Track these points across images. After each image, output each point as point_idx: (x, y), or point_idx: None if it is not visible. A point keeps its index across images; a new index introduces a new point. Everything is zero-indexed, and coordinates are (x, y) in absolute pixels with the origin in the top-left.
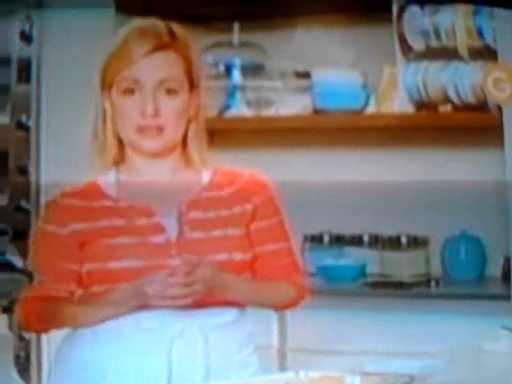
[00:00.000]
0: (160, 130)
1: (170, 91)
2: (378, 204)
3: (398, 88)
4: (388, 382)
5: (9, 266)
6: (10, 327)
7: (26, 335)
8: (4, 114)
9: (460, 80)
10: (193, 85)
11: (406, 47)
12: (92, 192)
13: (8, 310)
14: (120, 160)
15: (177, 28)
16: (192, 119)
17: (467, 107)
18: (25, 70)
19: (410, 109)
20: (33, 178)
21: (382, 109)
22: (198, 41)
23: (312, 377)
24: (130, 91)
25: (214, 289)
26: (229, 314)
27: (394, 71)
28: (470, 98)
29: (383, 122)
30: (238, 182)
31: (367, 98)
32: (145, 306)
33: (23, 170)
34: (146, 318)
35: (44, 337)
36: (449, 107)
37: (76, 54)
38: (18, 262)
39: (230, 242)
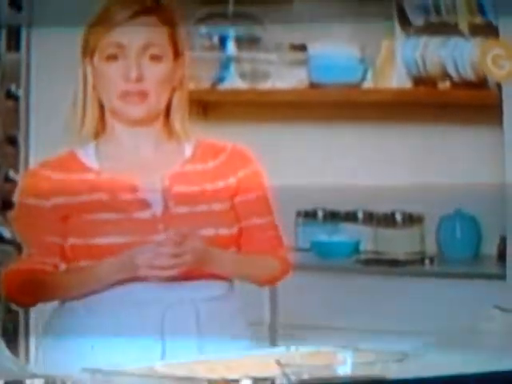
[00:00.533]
0: (143, 95)
1: (153, 57)
2: (373, 180)
3: (396, 63)
4: (380, 359)
5: None
6: None
7: (14, 307)
8: None
9: (459, 56)
10: (177, 53)
11: (405, 22)
12: (71, 164)
13: None
14: (100, 130)
15: None
16: (176, 88)
17: (466, 84)
18: (14, 39)
19: (407, 84)
20: (22, 148)
21: (380, 83)
22: (191, 11)
23: (303, 352)
24: (113, 57)
25: (202, 261)
26: (219, 288)
27: (393, 45)
28: (470, 75)
29: (380, 96)
30: (221, 155)
31: (364, 72)
32: (133, 278)
33: (12, 141)
34: (137, 292)
35: (32, 309)
36: (447, 84)
37: (66, 22)
38: (6, 232)
39: (215, 216)
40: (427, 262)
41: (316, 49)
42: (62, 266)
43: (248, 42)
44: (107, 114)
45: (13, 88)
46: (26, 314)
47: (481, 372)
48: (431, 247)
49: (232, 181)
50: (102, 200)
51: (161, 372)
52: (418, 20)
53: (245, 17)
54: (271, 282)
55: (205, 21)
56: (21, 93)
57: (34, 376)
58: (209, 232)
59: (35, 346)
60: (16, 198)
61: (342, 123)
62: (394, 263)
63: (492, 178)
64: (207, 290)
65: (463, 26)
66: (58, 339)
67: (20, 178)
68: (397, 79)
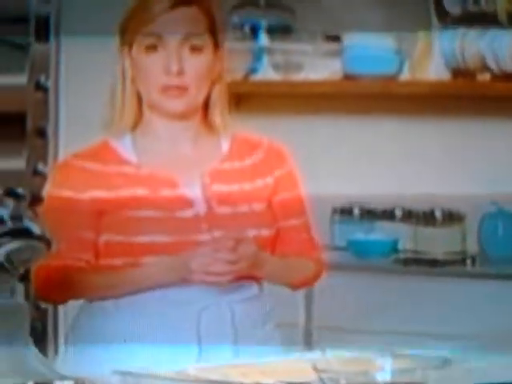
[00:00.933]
0: (184, 89)
1: (194, 49)
2: (411, 177)
3: (434, 54)
4: (420, 365)
5: (26, 233)
6: (27, 296)
7: (43, 305)
8: (22, 74)
9: (499, 47)
10: (217, 44)
11: (442, 11)
12: (107, 155)
13: (25, 278)
14: (137, 122)
15: None
16: (215, 81)
17: (506, 76)
18: (43, 29)
19: (445, 76)
20: (51, 140)
21: (417, 75)
22: (222, 1)
23: (340, 357)
24: (152, 48)
25: (255, 267)
26: (252, 289)
27: (430, 36)
28: (510, 67)
29: (417, 89)
30: (258, 151)
31: (401, 63)
32: (185, 281)
33: (41, 133)
34: (172, 292)
35: (61, 307)
36: (487, 76)
37: (95, 12)
38: (35, 228)
39: (256, 217)
40: (468, 261)
41: (351, 39)
42: (94, 262)
43: (281, 33)
44: (145, 107)
45: (42, 79)
46: (55, 312)
47: None
48: (473, 246)
49: (269, 180)
50: (142, 196)
51: (193, 375)
52: (455, 9)
53: (277, 6)
54: (305, 285)
55: (236, 10)
56: (50, 84)
57: (63, 377)
58: (251, 233)
59: (64, 346)
60: (47, 189)
61: (377, 116)
62: (433, 263)
63: None
64: (241, 291)
65: (502, 16)
66: (87, 339)
67: (50, 168)
68: (434, 71)
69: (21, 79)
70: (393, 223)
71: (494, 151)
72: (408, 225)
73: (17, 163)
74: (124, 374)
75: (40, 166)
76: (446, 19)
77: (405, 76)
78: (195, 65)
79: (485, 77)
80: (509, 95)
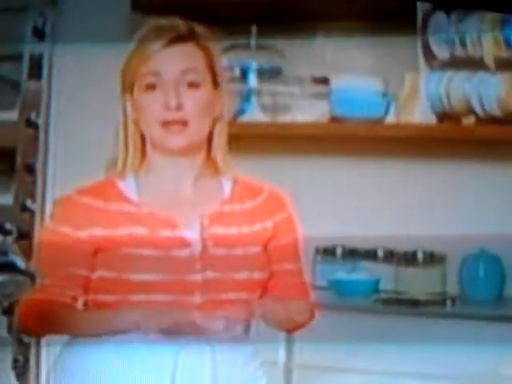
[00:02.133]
0: (184, 124)
1: (192, 84)
2: (394, 218)
3: (420, 97)
4: None
5: (11, 267)
6: (10, 330)
7: (26, 339)
8: (13, 110)
9: (485, 91)
10: (216, 81)
11: (429, 55)
12: (110, 193)
13: (8, 312)
14: (141, 162)
15: (197, 26)
16: (217, 120)
17: (492, 120)
18: (36, 67)
19: (431, 119)
20: (39, 177)
21: (403, 118)
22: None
23: None
24: (151, 86)
25: (252, 314)
26: (237, 329)
27: (416, 79)
28: (495, 111)
29: (403, 132)
30: (259, 196)
31: (387, 106)
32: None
33: (30, 169)
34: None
35: (44, 341)
36: (472, 119)
37: (88, 53)
38: (20, 262)
39: (250, 260)
40: (449, 302)
41: (338, 82)
42: (81, 299)
43: (270, 75)
44: (148, 147)
45: (33, 116)
46: (38, 346)
47: None
48: (453, 288)
49: (269, 224)
50: (139, 234)
51: None
52: (442, 53)
53: (267, 49)
54: (300, 328)
55: (227, 52)
56: (40, 121)
57: None
58: (243, 275)
59: (46, 381)
60: (46, 223)
61: (363, 158)
62: (414, 303)
63: None
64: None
65: (489, 61)
66: (69, 375)
67: (39, 205)
68: (420, 114)
69: (12, 115)
70: (375, 263)
71: (478, 194)
72: (390, 265)
73: (5, 199)
74: None
75: (28, 202)
76: (434, 63)
77: (391, 119)
78: (194, 100)
79: (470, 120)
80: (493, 139)
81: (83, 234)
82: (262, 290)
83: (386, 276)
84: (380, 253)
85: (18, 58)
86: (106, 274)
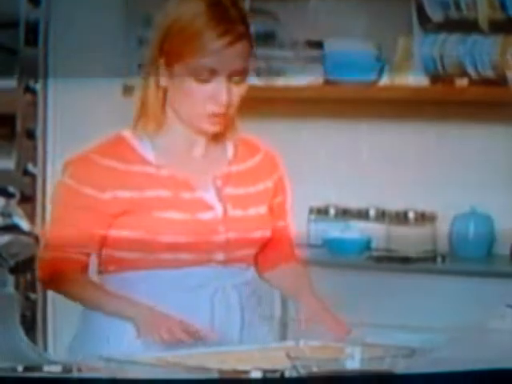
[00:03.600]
0: (226, 115)
1: (239, 81)
2: (386, 178)
3: (414, 60)
4: (388, 354)
5: (15, 228)
6: (17, 287)
7: (32, 295)
8: (12, 77)
9: (478, 53)
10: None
11: (423, 18)
12: (129, 154)
13: (15, 270)
14: (157, 126)
15: (248, 19)
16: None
17: (484, 81)
18: (32, 33)
19: (424, 82)
20: (40, 141)
21: (396, 81)
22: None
23: (312, 346)
24: (203, 80)
25: None
26: (250, 273)
27: (410, 42)
28: (488, 73)
29: (397, 94)
30: (258, 155)
31: (381, 69)
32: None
33: (30, 134)
34: (186, 277)
35: (49, 297)
36: (465, 81)
37: (84, 17)
38: (24, 224)
39: (262, 219)
40: (439, 259)
41: (332, 46)
42: (95, 254)
43: (263, 39)
44: (169, 112)
45: (31, 82)
46: (44, 302)
47: (490, 368)
48: (444, 246)
49: (269, 184)
50: (164, 197)
51: (172, 362)
52: (437, 16)
53: (261, 13)
54: None
55: None
56: (38, 87)
57: (51, 362)
58: (257, 234)
59: (53, 333)
60: (62, 180)
61: (357, 120)
62: (405, 260)
63: (507, 177)
64: (243, 274)
65: (483, 23)
66: (103, 323)
67: (69, 161)
68: (414, 76)
69: (10, 82)
70: (367, 223)
71: (469, 154)
72: (381, 224)
73: (7, 163)
74: (107, 359)
75: (29, 167)
76: (428, 25)
77: (384, 81)
78: (238, 94)
79: (463, 82)
80: (486, 100)
81: (107, 195)
82: (262, 248)
83: (378, 235)
84: (372, 212)
85: (14, 25)
86: (132, 234)
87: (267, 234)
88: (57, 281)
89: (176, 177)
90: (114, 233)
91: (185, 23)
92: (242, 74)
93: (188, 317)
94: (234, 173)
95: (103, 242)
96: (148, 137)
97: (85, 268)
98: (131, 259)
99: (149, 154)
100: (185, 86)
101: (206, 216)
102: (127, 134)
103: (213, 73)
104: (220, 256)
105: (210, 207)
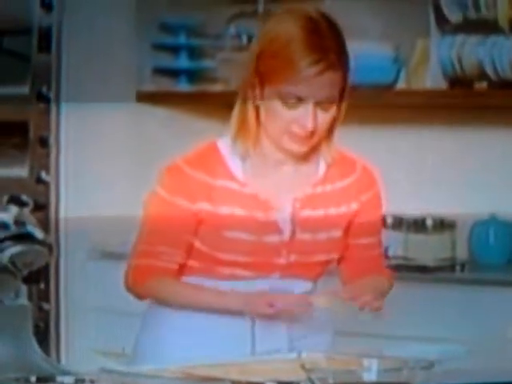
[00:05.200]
0: (311, 137)
1: (326, 108)
2: (403, 184)
3: (431, 62)
4: (406, 367)
5: (29, 237)
6: (30, 298)
7: (46, 306)
8: (24, 84)
9: (498, 55)
10: (342, 100)
11: (441, 19)
12: (218, 168)
13: (28, 280)
14: (253, 144)
15: (337, 29)
16: (335, 121)
17: (505, 84)
18: (45, 40)
19: (443, 85)
20: (53, 149)
21: (413, 84)
22: (221, 10)
23: (328, 357)
24: (291, 105)
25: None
26: (309, 285)
27: (428, 44)
28: (509, 75)
29: (414, 98)
30: (351, 175)
31: (398, 72)
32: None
33: (43, 142)
34: (243, 288)
35: (62, 308)
36: (485, 84)
37: (96, 23)
38: (38, 233)
39: (332, 244)
40: (458, 268)
41: (348, 47)
42: (183, 262)
43: None
44: (262, 132)
45: (44, 90)
46: (57, 313)
47: (511, 381)
48: (463, 254)
49: (354, 206)
50: (238, 216)
51: (178, 372)
52: (455, 17)
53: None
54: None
55: (234, 20)
56: (51, 95)
57: (65, 373)
58: (321, 258)
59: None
60: (158, 191)
61: (373, 125)
62: (423, 269)
63: None
64: (298, 286)
65: (503, 23)
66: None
67: (162, 171)
68: (431, 80)
69: (23, 89)
70: (384, 230)
71: (488, 160)
72: (399, 232)
73: (20, 171)
74: (110, 372)
75: (43, 174)
76: (446, 27)
77: (401, 85)
78: (324, 121)
79: (482, 85)
80: (506, 104)
81: (195, 207)
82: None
83: (396, 243)
84: (389, 220)
85: (26, 31)
86: (199, 246)
87: (334, 256)
88: (149, 288)
89: (258, 196)
90: (196, 241)
91: (279, 46)
92: (331, 100)
93: (229, 329)
94: (318, 194)
95: (191, 251)
96: (240, 152)
97: (177, 273)
98: (195, 268)
99: (238, 169)
100: (273, 107)
101: (272, 239)
102: (222, 145)
103: (300, 100)
104: (277, 274)
105: (279, 230)
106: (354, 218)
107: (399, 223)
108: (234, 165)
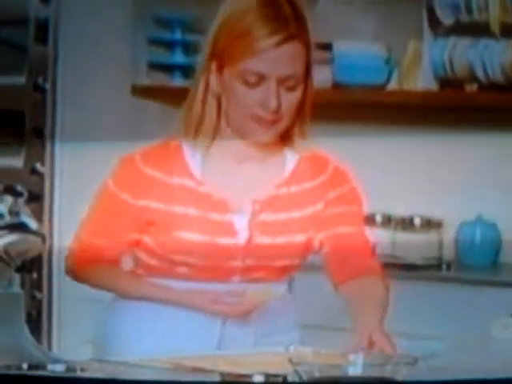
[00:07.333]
0: (276, 122)
1: (291, 87)
2: (392, 183)
3: (423, 64)
4: (391, 362)
5: (23, 227)
6: (23, 286)
7: (38, 295)
8: (21, 75)
9: (489, 58)
10: (308, 73)
11: (434, 21)
12: (176, 165)
13: (21, 269)
14: (213, 136)
15: (305, 18)
16: (303, 103)
17: (494, 87)
18: (42, 31)
19: (434, 86)
20: (48, 140)
21: (405, 85)
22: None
23: (315, 351)
24: (252, 84)
25: None
26: (281, 287)
27: (420, 46)
28: (498, 78)
29: (405, 99)
30: (322, 175)
31: (390, 73)
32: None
33: (39, 133)
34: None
35: (55, 296)
36: (475, 86)
37: (93, 15)
38: (32, 223)
39: (294, 248)
40: (444, 267)
41: (341, 48)
42: (131, 257)
43: None
44: (224, 122)
45: (40, 81)
46: (50, 301)
47: (493, 378)
48: (449, 253)
49: (319, 207)
50: (192, 216)
51: (168, 363)
52: (448, 19)
53: None
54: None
55: None
56: (48, 86)
57: (55, 361)
58: (284, 263)
59: (58, 332)
60: (107, 181)
61: (365, 125)
62: (410, 267)
63: None
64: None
65: (495, 27)
66: (111, 331)
67: (119, 159)
68: (423, 81)
69: (19, 80)
70: (372, 228)
71: (477, 161)
72: (387, 230)
73: (15, 162)
74: (102, 361)
75: (37, 165)
76: (438, 29)
77: (393, 85)
78: (289, 101)
79: (472, 87)
80: (495, 106)
81: (141, 203)
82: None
83: (383, 241)
84: (378, 218)
85: (23, 22)
86: (152, 244)
87: (296, 262)
88: (89, 272)
89: (212, 196)
90: (145, 238)
91: (235, 21)
92: (295, 79)
93: (197, 323)
94: (281, 196)
95: (135, 247)
96: (202, 149)
97: (118, 263)
98: (154, 266)
99: (197, 167)
100: (234, 90)
101: (226, 241)
102: (185, 142)
103: (261, 77)
104: (237, 278)
105: (234, 232)
106: (321, 214)
107: (387, 221)
108: (194, 162)
